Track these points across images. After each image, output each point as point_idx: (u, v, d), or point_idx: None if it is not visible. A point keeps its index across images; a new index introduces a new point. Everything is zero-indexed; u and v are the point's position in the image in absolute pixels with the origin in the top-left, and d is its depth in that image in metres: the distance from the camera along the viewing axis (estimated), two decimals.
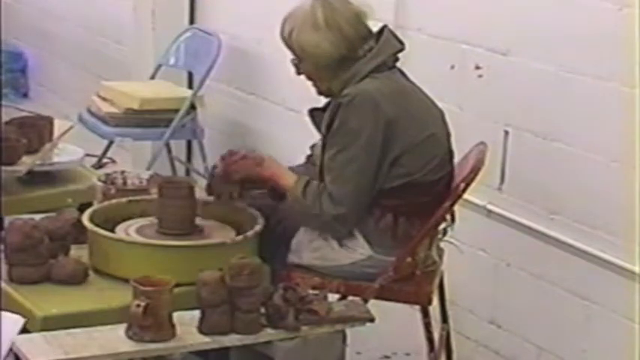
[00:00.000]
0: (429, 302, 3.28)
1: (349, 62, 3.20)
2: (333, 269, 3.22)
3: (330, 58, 3.19)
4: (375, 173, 3.14)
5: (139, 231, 3.26)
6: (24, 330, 2.76)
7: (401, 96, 3.19)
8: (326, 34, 3.18)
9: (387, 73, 3.22)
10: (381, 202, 3.18)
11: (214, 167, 3.39)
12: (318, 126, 3.31)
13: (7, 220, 3.41)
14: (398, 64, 3.29)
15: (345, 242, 3.22)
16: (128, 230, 3.26)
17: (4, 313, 2.73)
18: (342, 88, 3.19)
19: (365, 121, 3.11)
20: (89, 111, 5.16)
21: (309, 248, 3.24)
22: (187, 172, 5.59)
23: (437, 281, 3.39)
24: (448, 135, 3.31)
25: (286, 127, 4.82)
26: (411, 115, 3.17)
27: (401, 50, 3.28)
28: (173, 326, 2.76)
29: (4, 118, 3.81)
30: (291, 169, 3.35)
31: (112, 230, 3.22)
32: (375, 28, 3.27)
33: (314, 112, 3.35)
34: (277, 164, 3.30)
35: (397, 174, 3.16)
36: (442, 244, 3.46)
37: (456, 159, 3.40)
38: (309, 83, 3.32)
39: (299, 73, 3.31)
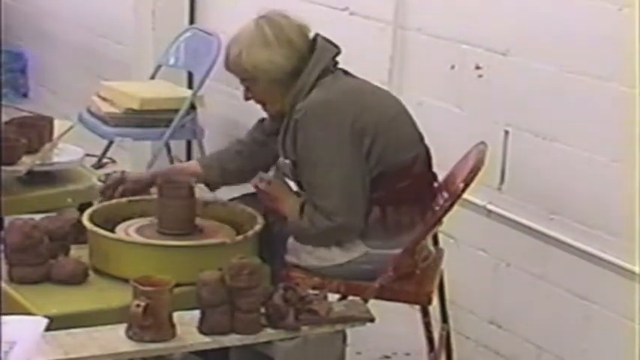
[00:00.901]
0: (429, 302, 3.28)
1: (297, 75, 3.22)
2: (332, 269, 3.22)
3: (284, 72, 3.22)
4: (360, 174, 3.15)
5: (139, 231, 3.26)
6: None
7: (352, 92, 3.23)
8: (278, 49, 3.22)
9: (332, 77, 3.24)
10: None
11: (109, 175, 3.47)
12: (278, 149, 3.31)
13: (7, 220, 3.41)
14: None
15: (341, 242, 3.22)
16: (128, 230, 3.26)
17: (26, 317, 2.73)
18: (293, 104, 3.20)
19: (328, 128, 3.13)
20: (89, 111, 5.16)
21: (305, 249, 3.24)
22: None
23: (437, 281, 3.39)
24: (409, 116, 3.32)
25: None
26: (368, 106, 3.20)
27: (338, 53, 3.30)
28: (173, 326, 2.76)
29: (4, 118, 3.81)
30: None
31: (112, 230, 3.22)
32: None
33: (263, 121, 3.42)
34: (294, 199, 3.29)
35: (371, 165, 3.17)
36: (441, 245, 3.46)
37: (456, 159, 3.41)
38: (259, 107, 3.35)
39: (247, 98, 3.34)
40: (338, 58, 3.30)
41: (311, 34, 3.30)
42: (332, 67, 3.27)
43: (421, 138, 3.31)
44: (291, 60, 3.22)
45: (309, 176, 3.18)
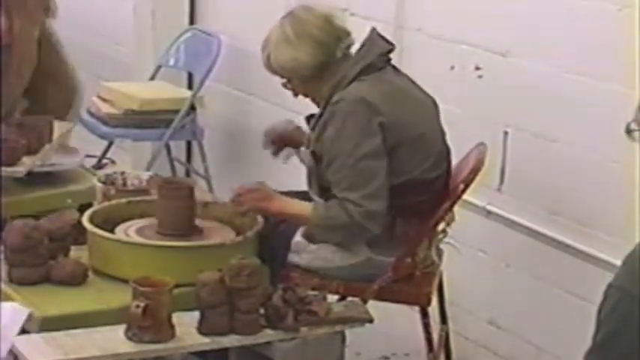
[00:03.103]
0: (428, 303, 3.29)
1: (332, 66, 3.21)
2: (333, 270, 3.22)
3: (312, 68, 3.21)
4: (385, 169, 3.13)
5: (139, 232, 3.26)
6: (23, 330, 2.76)
7: (390, 96, 3.19)
8: (299, 45, 3.21)
9: (377, 75, 3.22)
10: None
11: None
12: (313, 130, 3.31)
13: (7, 220, 3.41)
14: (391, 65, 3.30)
15: (345, 246, 3.22)
16: (128, 231, 3.26)
17: (4, 303, 2.73)
18: (331, 94, 3.20)
19: (360, 121, 3.11)
20: (89, 112, 5.16)
21: (307, 249, 3.24)
22: (187, 173, 5.59)
23: (436, 282, 3.39)
24: (442, 133, 3.31)
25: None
26: (402, 114, 3.18)
27: (390, 51, 3.29)
28: (172, 327, 2.76)
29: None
30: (290, 193, 3.35)
31: (112, 231, 3.22)
32: (363, 33, 3.29)
33: (310, 118, 3.35)
34: (285, 198, 3.28)
35: (393, 172, 3.15)
36: (441, 245, 3.46)
37: (456, 159, 3.40)
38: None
39: (295, 94, 3.34)
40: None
41: (341, 19, 3.28)
42: (381, 63, 3.25)
43: (448, 154, 3.30)
44: (315, 55, 3.21)
45: (338, 169, 3.15)
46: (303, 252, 3.25)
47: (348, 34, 3.25)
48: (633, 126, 1.93)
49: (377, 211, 3.11)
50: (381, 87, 3.19)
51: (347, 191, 3.11)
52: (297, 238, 3.27)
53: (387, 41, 3.30)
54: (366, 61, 3.21)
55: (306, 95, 3.33)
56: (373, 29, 3.31)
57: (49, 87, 4.07)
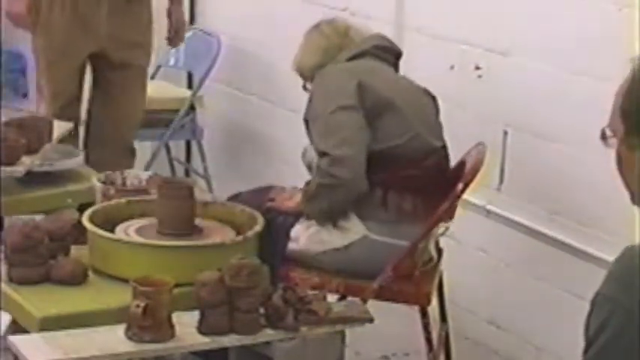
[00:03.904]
0: (428, 302, 3.29)
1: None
2: (331, 255, 3.23)
3: (311, 68, 3.41)
4: (363, 123, 3.21)
5: (139, 231, 3.26)
6: (23, 331, 2.76)
7: (372, 68, 3.34)
8: (304, 47, 3.44)
9: (365, 59, 3.36)
10: (368, 177, 3.20)
11: None
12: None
13: (7, 220, 3.41)
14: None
15: (341, 223, 3.25)
16: (128, 231, 3.26)
17: None
18: None
19: (336, 80, 3.27)
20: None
21: (305, 234, 3.28)
22: (187, 173, 5.59)
23: (436, 281, 3.39)
24: (434, 115, 3.40)
25: (286, 127, 4.82)
26: (382, 81, 3.30)
27: (392, 51, 3.41)
28: (172, 327, 2.76)
29: (4, 119, 3.81)
30: None
31: (112, 231, 3.21)
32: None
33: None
34: (293, 189, 3.44)
35: (375, 138, 3.22)
36: (441, 245, 3.46)
37: (456, 159, 3.41)
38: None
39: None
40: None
41: (359, 34, 3.45)
42: (374, 51, 3.38)
43: (440, 133, 3.38)
44: (313, 57, 3.41)
45: (318, 126, 3.27)
46: (301, 237, 3.27)
47: (357, 44, 3.40)
48: (608, 133, 1.88)
49: (343, 155, 3.16)
50: (366, 64, 3.35)
51: (319, 142, 3.23)
52: (297, 226, 3.31)
53: (390, 42, 3.40)
54: (358, 50, 3.36)
55: None
56: (377, 33, 3.47)
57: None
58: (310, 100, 3.34)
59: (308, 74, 3.42)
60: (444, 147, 3.36)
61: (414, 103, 3.32)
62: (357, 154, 3.17)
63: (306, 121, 3.36)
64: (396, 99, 3.25)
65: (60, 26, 4.26)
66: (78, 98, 4.42)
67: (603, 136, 1.87)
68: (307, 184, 3.32)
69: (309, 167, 3.50)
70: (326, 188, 3.20)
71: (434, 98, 3.42)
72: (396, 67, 3.44)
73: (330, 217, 3.25)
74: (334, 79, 3.29)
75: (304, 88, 3.47)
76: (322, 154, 3.20)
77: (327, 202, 3.23)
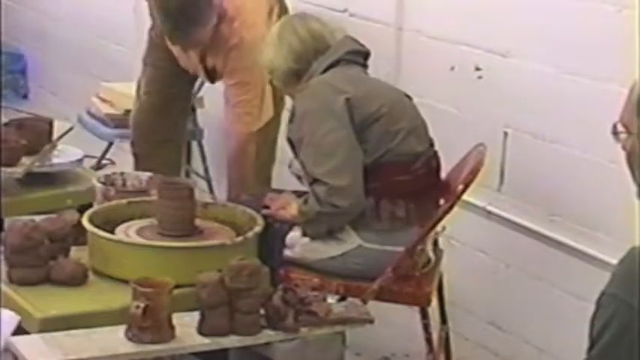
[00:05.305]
0: (428, 303, 3.29)
1: (306, 75, 3.33)
2: (327, 262, 3.23)
3: (285, 72, 3.35)
4: (355, 141, 3.18)
5: (139, 232, 3.26)
6: (23, 331, 2.76)
7: (352, 78, 3.30)
8: (277, 48, 3.35)
9: (343, 66, 3.32)
10: None
11: None
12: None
13: (7, 221, 3.41)
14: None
15: (335, 233, 3.24)
16: (128, 231, 3.26)
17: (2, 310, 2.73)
18: (301, 89, 3.32)
19: (323, 99, 3.20)
20: (89, 112, 5.16)
21: (301, 242, 3.27)
22: (187, 174, 5.58)
23: (436, 282, 3.39)
24: (422, 120, 3.37)
25: (285, 127, 4.82)
26: (366, 91, 3.26)
27: (361, 52, 3.39)
28: (172, 327, 2.76)
29: (4, 120, 3.82)
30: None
31: (112, 231, 3.22)
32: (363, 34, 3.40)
33: None
34: (287, 196, 3.41)
35: (366, 151, 3.20)
36: (441, 245, 3.46)
37: (455, 160, 3.41)
38: None
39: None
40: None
41: (333, 34, 3.38)
42: (349, 57, 3.34)
43: (426, 132, 3.36)
44: (287, 61, 3.33)
45: (304, 148, 3.22)
46: (296, 245, 3.27)
47: (330, 48, 3.34)
48: (619, 127, 1.88)
49: (342, 186, 3.15)
50: (344, 73, 3.30)
51: (313, 168, 3.19)
52: (292, 233, 3.30)
53: (360, 44, 3.40)
54: (333, 58, 3.31)
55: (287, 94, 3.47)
56: (346, 36, 3.41)
57: None
58: (293, 120, 3.27)
59: (281, 77, 3.37)
60: (432, 145, 3.36)
61: (397, 105, 3.30)
62: (355, 182, 3.17)
63: (290, 141, 3.32)
64: (382, 106, 3.23)
65: None
66: None
67: (614, 131, 1.86)
68: (299, 195, 3.31)
69: (298, 177, 3.49)
70: (326, 216, 3.19)
71: (411, 99, 3.42)
72: (365, 67, 3.42)
73: (329, 234, 3.26)
74: (320, 98, 3.22)
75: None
76: (317, 181, 3.18)
77: (326, 226, 3.24)
